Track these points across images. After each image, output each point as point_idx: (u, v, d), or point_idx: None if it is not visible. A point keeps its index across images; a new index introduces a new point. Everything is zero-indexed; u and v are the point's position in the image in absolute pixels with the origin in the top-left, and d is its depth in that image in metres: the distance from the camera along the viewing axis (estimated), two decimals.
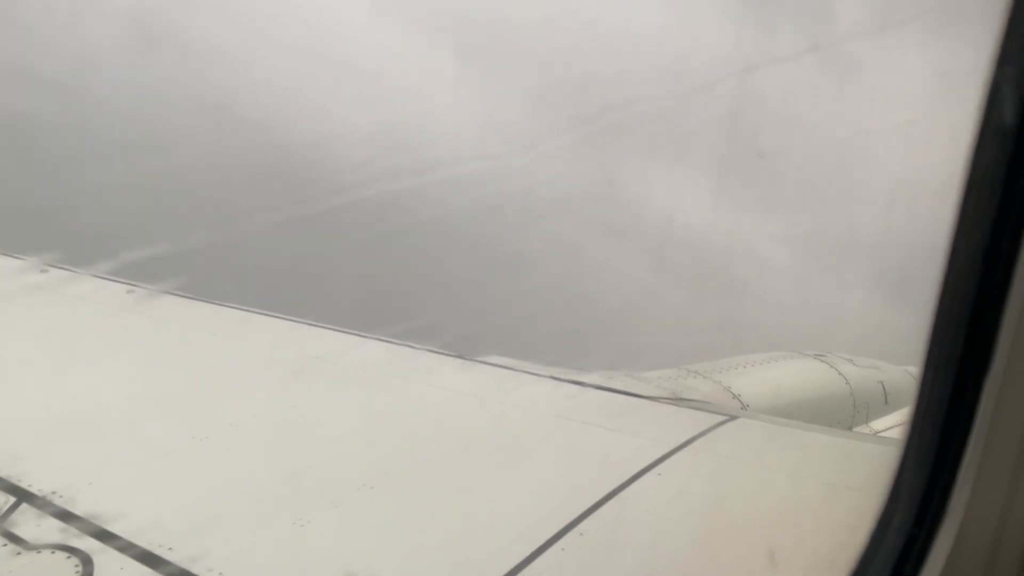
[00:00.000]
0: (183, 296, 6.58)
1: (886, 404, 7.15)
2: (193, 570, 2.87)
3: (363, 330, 5.86)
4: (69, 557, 2.93)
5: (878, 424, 7.09)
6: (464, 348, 5.37)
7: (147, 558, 2.92)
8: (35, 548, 3.01)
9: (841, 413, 6.95)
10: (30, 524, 3.16)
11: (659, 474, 3.49)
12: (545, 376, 5.05)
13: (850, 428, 6.95)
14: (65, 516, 3.21)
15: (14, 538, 3.07)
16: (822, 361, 7.24)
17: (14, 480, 3.46)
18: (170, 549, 2.96)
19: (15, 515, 3.22)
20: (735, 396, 6.23)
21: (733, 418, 4.26)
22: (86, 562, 2.90)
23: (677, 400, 5.22)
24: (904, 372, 7.40)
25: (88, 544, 3.01)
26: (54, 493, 3.36)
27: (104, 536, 3.06)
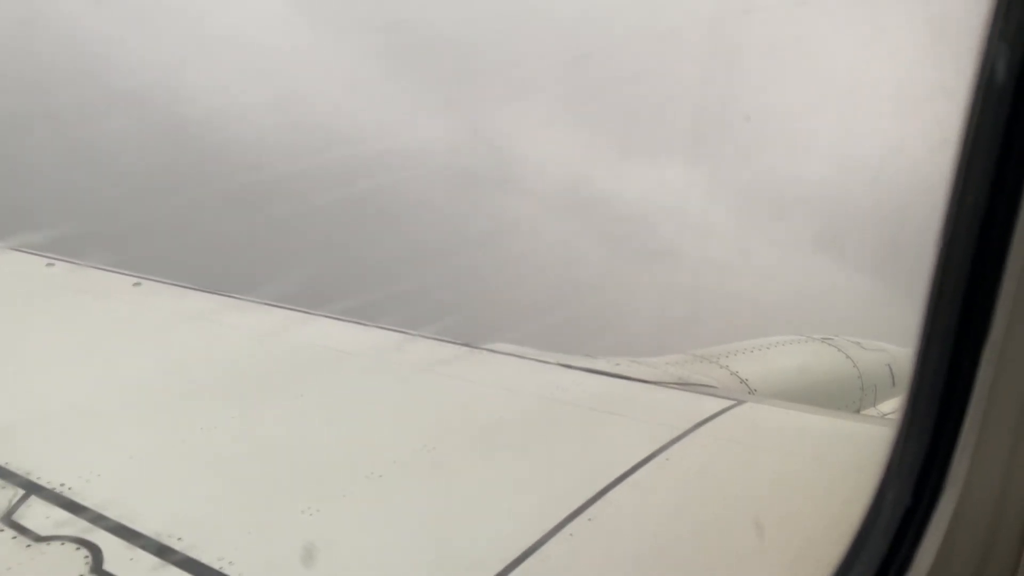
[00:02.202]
0: (185, 287, 6.61)
1: (894, 386, 7.14)
2: (202, 559, 2.88)
3: (369, 320, 5.88)
4: (79, 548, 2.95)
5: (886, 407, 7.08)
6: (470, 336, 5.38)
7: (156, 548, 2.94)
8: (44, 540, 3.03)
9: (849, 396, 6.94)
10: (39, 516, 3.18)
11: (667, 459, 3.48)
12: (552, 363, 5.06)
13: (858, 411, 6.94)
14: (74, 508, 3.22)
15: (23, 530, 3.09)
16: (829, 344, 7.23)
17: (22, 473, 3.49)
18: (179, 539, 2.98)
19: (24, 507, 3.24)
20: (742, 381, 6.23)
21: (740, 403, 4.25)
22: (95, 553, 2.92)
23: (684, 385, 5.22)
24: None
25: (97, 535, 3.03)
26: (63, 485, 3.38)
27: (113, 527, 3.07)
